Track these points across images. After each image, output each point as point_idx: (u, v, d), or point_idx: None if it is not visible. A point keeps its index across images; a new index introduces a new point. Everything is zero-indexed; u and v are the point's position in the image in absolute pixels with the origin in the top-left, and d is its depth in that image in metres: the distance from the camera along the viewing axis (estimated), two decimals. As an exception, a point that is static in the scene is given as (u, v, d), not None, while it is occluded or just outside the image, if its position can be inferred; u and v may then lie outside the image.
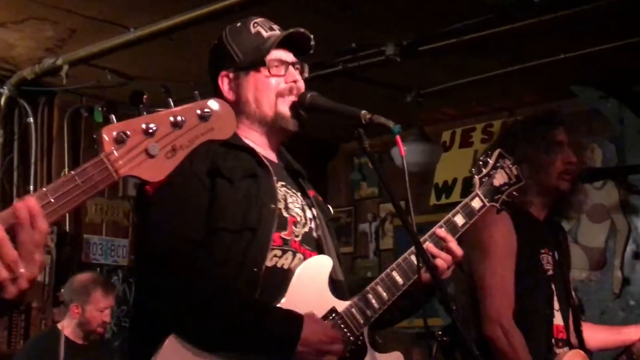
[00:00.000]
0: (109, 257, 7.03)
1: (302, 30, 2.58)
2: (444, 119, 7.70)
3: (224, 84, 2.56)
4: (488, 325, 3.19)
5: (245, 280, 2.31)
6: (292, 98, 2.55)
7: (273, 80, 2.54)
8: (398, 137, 2.38)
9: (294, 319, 2.28)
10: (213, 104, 1.69)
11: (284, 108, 2.53)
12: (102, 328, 5.32)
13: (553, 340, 3.27)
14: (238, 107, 2.51)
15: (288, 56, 2.59)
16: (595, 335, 3.59)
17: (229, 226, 2.33)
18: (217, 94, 2.57)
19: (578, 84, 6.59)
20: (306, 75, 2.64)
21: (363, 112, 2.41)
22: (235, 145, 2.45)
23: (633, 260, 6.45)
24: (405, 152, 7.40)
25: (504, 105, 7.07)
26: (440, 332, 3.24)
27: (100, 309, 5.26)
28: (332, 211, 2.74)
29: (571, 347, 3.33)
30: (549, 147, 3.34)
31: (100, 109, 6.77)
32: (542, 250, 3.35)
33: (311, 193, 2.65)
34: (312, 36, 2.61)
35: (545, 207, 3.42)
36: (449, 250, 2.52)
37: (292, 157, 2.72)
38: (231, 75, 2.56)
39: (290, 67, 2.57)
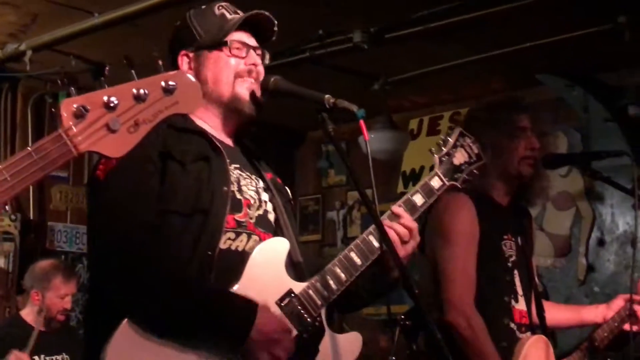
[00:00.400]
0: (73, 244, 6.96)
1: (265, 13, 2.57)
2: (411, 106, 7.71)
3: (184, 63, 2.54)
4: (450, 311, 3.20)
5: (199, 264, 2.29)
6: (251, 81, 2.53)
7: (233, 61, 2.52)
8: (362, 122, 2.36)
9: (248, 308, 2.26)
10: (179, 76, 1.65)
11: (242, 90, 2.52)
12: (62, 315, 5.27)
13: (515, 326, 3.29)
14: None
15: (250, 40, 2.58)
16: (556, 314, 3.63)
17: (180, 209, 2.31)
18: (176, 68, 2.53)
19: (544, 72, 6.62)
20: (267, 62, 2.62)
21: (327, 96, 2.40)
22: (187, 128, 2.43)
23: (597, 247, 6.50)
24: (371, 139, 7.44)
25: (472, 94, 7.07)
26: (402, 317, 3.25)
27: (60, 295, 5.21)
28: (289, 193, 2.71)
29: (534, 332, 3.36)
30: (512, 132, 3.36)
31: (65, 94, 6.68)
32: (505, 237, 3.37)
33: (268, 176, 2.63)
34: (275, 21, 2.60)
35: (508, 192, 3.43)
36: (403, 224, 2.50)
37: (254, 143, 2.70)
38: (191, 54, 2.55)
39: (252, 51, 2.56)
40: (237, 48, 2.53)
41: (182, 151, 2.37)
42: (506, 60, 6.26)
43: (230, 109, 2.53)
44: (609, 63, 6.32)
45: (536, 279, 3.51)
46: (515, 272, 3.37)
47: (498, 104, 3.49)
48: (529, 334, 3.32)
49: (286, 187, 2.71)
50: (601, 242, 6.49)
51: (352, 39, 5.87)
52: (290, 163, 8.60)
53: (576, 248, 6.63)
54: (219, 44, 2.52)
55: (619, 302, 3.51)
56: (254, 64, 2.55)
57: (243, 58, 2.53)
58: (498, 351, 3.19)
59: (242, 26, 2.54)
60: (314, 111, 2.42)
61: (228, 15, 2.57)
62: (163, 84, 1.62)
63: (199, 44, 2.54)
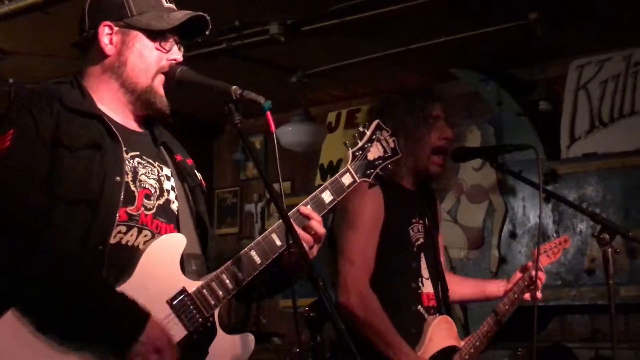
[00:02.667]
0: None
1: (207, 17, 2.51)
2: (329, 100, 7.74)
3: (104, 35, 2.42)
4: (344, 293, 3.18)
5: (90, 258, 2.21)
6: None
7: (157, 54, 2.44)
8: (268, 114, 2.32)
9: (137, 315, 2.17)
10: None
11: (158, 84, 2.45)
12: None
13: (423, 310, 3.32)
14: (112, 65, 2.42)
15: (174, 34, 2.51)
16: (462, 287, 3.68)
17: (66, 197, 2.22)
18: (89, 44, 2.45)
19: (459, 67, 6.72)
20: (181, 58, 2.54)
21: (234, 87, 2.35)
22: (85, 112, 2.34)
23: (509, 240, 6.62)
24: (289, 132, 7.38)
25: (388, 87, 7.11)
26: (306, 308, 3.24)
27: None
28: (199, 177, 2.61)
29: (441, 312, 3.39)
30: (425, 121, 3.36)
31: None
32: (413, 220, 3.39)
33: (178, 158, 2.55)
34: (210, 26, 2.54)
35: (415, 181, 3.45)
36: (310, 228, 2.44)
37: (166, 130, 2.63)
38: (116, 28, 2.43)
39: (175, 45, 2.49)
40: (165, 41, 2.45)
41: (72, 136, 2.27)
42: (422, 55, 6.33)
43: (141, 100, 2.44)
44: (522, 58, 6.44)
45: (442, 258, 3.53)
46: (422, 255, 3.38)
47: (413, 91, 3.49)
48: (436, 315, 3.35)
49: (195, 170, 2.61)
50: (513, 235, 6.61)
51: (269, 31, 5.86)
52: (208, 155, 8.55)
53: (489, 240, 6.74)
54: (153, 32, 2.44)
55: (517, 274, 3.59)
56: (174, 60, 2.47)
57: (167, 52, 2.46)
58: (407, 338, 3.20)
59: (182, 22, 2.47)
60: (217, 99, 2.38)
61: (165, 3, 2.49)
62: None
63: (131, 22, 2.43)
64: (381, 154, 2.67)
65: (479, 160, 6.34)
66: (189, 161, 2.62)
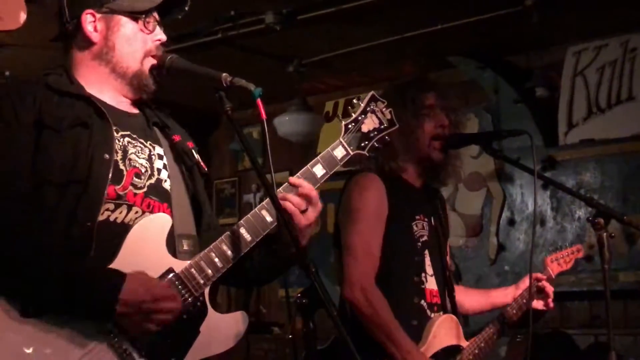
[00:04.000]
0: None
1: None
2: (326, 89, 7.72)
3: (88, 23, 2.42)
4: (348, 288, 3.19)
5: (78, 236, 2.21)
6: (154, 61, 2.47)
7: (142, 36, 2.45)
8: (259, 101, 2.30)
9: (112, 279, 2.17)
10: None
11: (146, 68, 2.46)
12: None
13: (426, 305, 3.31)
14: (100, 51, 2.43)
15: (156, 14, 2.50)
16: (469, 299, 3.66)
17: (54, 179, 2.22)
18: (72, 35, 2.45)
19: (455, 55, 6.70)
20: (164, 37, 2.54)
21: (224, 74, 2.35)
22: (71, 93, 2.35)
23: (508, 227, 6.62)
24: (286, 122, 7.36)
25: (385, 76, 7.11)
26: (299, 295, 3.23)
27: None
28: (197, 157, 2.60)
29: (446, 311, 3.38)
30: (418, 111, 3.33)
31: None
32: (417, 217, 3.37)
33: (176, 138, 2.55)
34: (188, 2, 2.54)
35: (420, 175, 3.42)
36: (301, 195, 2.39)
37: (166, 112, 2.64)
38: (99, 15, 2.43)
39: (157, 26, 2.49)
40: (149, 22, 2.46)
41: (57, 117, 2.27)
42: (418, 43, 6.31)
43: (132, 84, 2.46)
44: (518, 45, 6.42)
45: (448, 260, 3.52)
46: (426, 252, 3.37)
47: (404, 85, 3.47)
48: (440, 313, 3.34)
49: (194, 151, 2.61)
50: (511, 222, 6.61)
51: (265, 20, 5.84)
52: (206, 146, 8.54)
53: (487, 228, 6.74)
54: (136, 14, 2.44)
55: (526, 281, 3.55)
56: (159, 40, 2.48)
57: (150, 32, 2.46)
58: (408, 330, 3.20)
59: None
60: (208, 87, 2.37)
61: None
62: None
63: (112, 7, 2.43)
64: (376, 125, 2.60)
65: (477, 148, 6.37)
66: (190, 143, 2.62)
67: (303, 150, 7.36)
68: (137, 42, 2.45)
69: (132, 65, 2.44)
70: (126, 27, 2.44)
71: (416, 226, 3.36)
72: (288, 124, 7.00)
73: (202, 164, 2.62)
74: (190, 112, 7.80)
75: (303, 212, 2.39)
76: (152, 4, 2.45)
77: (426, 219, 3.40)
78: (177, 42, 5.82)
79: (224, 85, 2.34)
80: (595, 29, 6.22)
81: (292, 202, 2.37)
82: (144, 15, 2.45)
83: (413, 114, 3.33)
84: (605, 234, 3.10)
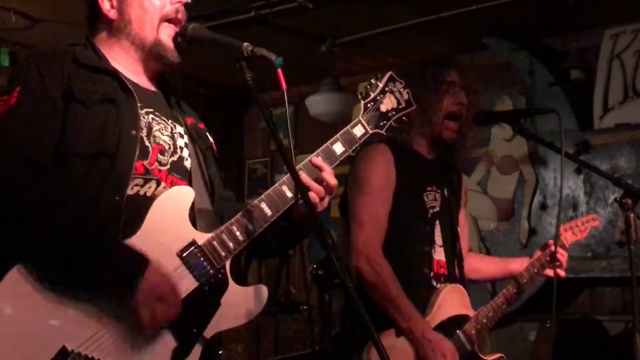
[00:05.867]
0: None
1: None
2: (359, 69, 7.68)
3: (104, 2, 2.43)
4: (355, 257, 3.20)
5: (107, 209, 2.22)
6: (175, 28, 2.46)
7: (159, 3, 2.45)
8: (279, 71, 2.28)
9: (136, 265, 2.18)
10: None
11: (166, 36, 2.45)
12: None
13: (433, 275, 3.31)
14: (119, 26, 2.44)
15: None
16: (484, 266, 3.66)
17: (82, 151, 2.23)
18: (94, 13, 2.46)
19: (490, 36, 6.63)
20: None
21: (245, 44, 2.33)
22: (98, 68, 2.36)
23: (540, 211, 6.55)
24: (318, 102, 7.33)
25: (419, 57, 7.03)
26: (314, 266, 3.23)
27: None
28: (210, 140, 2.63)
29: (452, 282, 3.37)
30: (438, 86, 3.33)
31: (8, 51, 6.55)
32: (429, 188, 3.37)
33: (189, 121, 2.56)
34: None
35: (432, 149, 3.42)
36: (322, 180, 2.40)
37: (181, 97, 2.63)
38: None
39: None
40: None
41: (86, 92, 2.29)
42: (452, 23, 6.25)
43: (152, 53, 2.46)
44: (554, 27, 6.34)
45: (459, 231, 3.50)
46: (437, 222, 3.37)
47: (426, 62, 3.46)
48: (447, 284, 3.34)
49: (207, 134, 2.63)
50: (543, 206, 6.53)
51: (297, -1, 5.83)
52: (239, 126, 8.55)
53: (519, 212, 6.67)
54: None
55: (538, 251, 3.58)
56: (178, 2, 2.47)
57: None
58: (417, 300, 3.21)
59: None
60: (231, 57, 2.34)
61: None
62: None
63: None
64: (394, 105, 2.63)
65: (510, 131, 6.30)
66: (201, 125, 2.64)
67: (334, 130, 7.34)
68: (151, 8, 2.44)
69: (149, 35, 2.44)
70: None
71: (427, 197, 3.36)
72: (320, 104, 6.98)
73: (214, 146, 2.65)
74: (224, 91, 7.83)
75: (321, 199, 2.41)
76: None
77: (438, 190, 3.41)
78: (210, 20, 5.83)
79: (245, 54, 2.32)
80: (633, 12, 6.10)
81: (314, 190, 2.38)
82: None
83: (433, 88, 3.34)
84: (632, 214, 3.06)
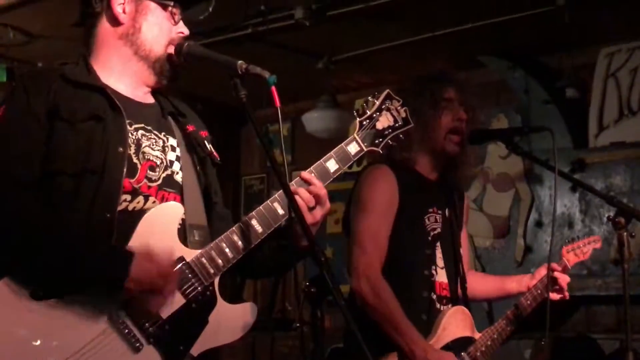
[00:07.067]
0: None
1: None
2: (357, 86, 7.70)
3: (118, 5, 2.45)
4: (355, 279, 3.19)
5: (98, 225, 2.23)
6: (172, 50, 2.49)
7: (169, 25, 2.49)
8: (273, 88, 2.29)
9: (122, 256, 2.20)
10: None
11: (169, 56, 2.48)
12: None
13: (436, 297, 3.30)
14: (126, 31, 2.46)
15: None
16: (482, 286, 3.65)
17: (68, 170, 2.25)
18: (98, 17, 2.48)
19: (486, 54, 6.65)
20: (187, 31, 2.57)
21: (240, 62, 2.35)
22: (86, 84, 2.37)
23: (535, 229, 6.56)
24: (315, 118, 7.31)
25: (415, 74, 7.05)
26: (307, 284, 3.23)
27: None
28: (209, 148, 2.61)
29: (455, 303, 3.36)
30: (436, 103, 3.33)
31: (3, 67, 6.56)
32: (430, 209, 3.36)
33: (190, 128, 2.56)
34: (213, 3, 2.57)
35: (435, 167, 3.41)
36: (311, 192, 2.39)
37: (183, 103, 2.65)
38: None
39: (181, 20, 2.53)
40: (174, 13, 2.49)
41: (72, 110, 2.30)
42: (449, 41, 6.27)
43: (154, 67, 2.48)
44: (549, 46, 6.36)
45: (461, 251, 3.49)
46: (438, 244, 3.36)
47: (425, 76, 3.47)
48: (449, 306, 3.33)
49: (206, 142, 2.61)
50: (539, 224, 6.54)
51: (294, 16, 5.84)
52: (236, 142, 8.55)
53: (514, 229, 6.68)
54: (164, 3, 2.48)
55: (542, 271, 3.53)
56: (182, 33, 2.51)
57: (175, 24, 2.50)
58: (418, 324, 3.19)
59: None
60: (224, 74, 2.36)
61: None
62: None
63: None
64: (391, 123, 2.61)
65: (505, 149, 6.31)
66: (203, 133, 2.63)
67: (331, 147, 7.35)
68: (162, 30, 2.48)
69: (156, 49, 2.47)
70: (154, 13, 2.48)
71: (428, 219, 3.36)
72: (317, 120, 6.99)
73: (214, 154, 2.63)
74: (221, 107, 7.83)
75: (311, 209, 2.39)
76: None
77: (439, 211, 3.39)
78: (206, 36, 5.85)
79: (240, 72, 2.34)
80: (628, 31, 6.14)
81: (301, 197, 2.37)
82: (171, 6, 2.48)
83: (431, 105, 3.33)
84: (625, 233, 3.07)
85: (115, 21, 2.46)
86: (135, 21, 2.46)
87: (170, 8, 2.48)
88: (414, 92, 3.29)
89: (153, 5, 2.48)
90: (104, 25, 2.48)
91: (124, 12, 2.46)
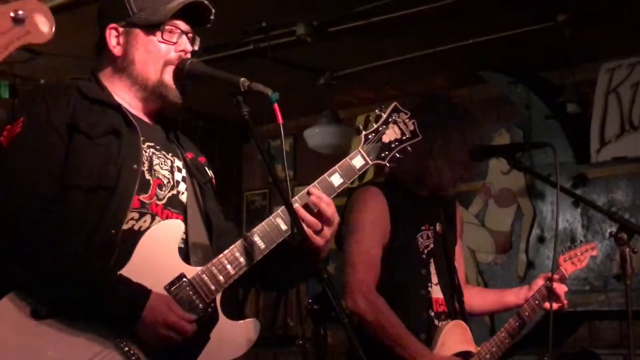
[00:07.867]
0: None
1: (204, 1, 2.50)
2: (357, 102, 7.72)
3: (112, 37, 2.46)
4: (350, 298, 3.18)
5: (102, 242, 2.23)
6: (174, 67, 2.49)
7: (164, 47, 2.46)
8: (275, 105, 2.30)
9: (139, 292, 2.20)
10: (28, 5, 1.53)
11: (169, 77, 2.47)
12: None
13: (434, 314, 3.30)
14: (122, 64, 2.47)
15: (182, 25, 2.51)
16: (480, 300, 3.64)
17: (83, 184, 2.24)
18: (101, 45, 2.50)
19: (487, 70, 6.67)
20: (197, 47, 2.55)
21: (242, 79, 2.35)
22: (103, 101, 2.38)
23: (537, 244, 6.54)
24: (316, 134, 7.33)
25: (416, 90, 7.09)
26: (310, 301, 3.23)
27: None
28: (210, 174, 2.64)
29: (453, 318, 3.36)
30: (460, 150, 3.32)
31: (6, 83, 6.58)
32: (423, 227, 3.36)
33: (189, 155, 2.57)
34: (212, 10, 2.53)
35: (424, 186, 3.40)
36: (319, 213, 2.38)
37: (183, 133, 2.66)
38: (121, 29, 2.46)
39: (183, 36, 2.50)
40: (170, 32, 2.47)
41: (91, 124, 2.30)
42: (450, 57, 6.30)
43: (154, 94, 2.48)
44: (550, 61, 6.38)
45: (455, 265, 3.48)
46: (432, 261, 3.35)
47: (451, 109, 3.41)
48: (448, 321, 3.32)
49: (206, 168, 2.63)
50: (541, 239, 6.52)
51: (296, 32, 5.86)
52: (238, 158, 8.57)
53: (517, 245, 6.66)
54: (152, 26, 2.45)
55: (539, 282, 3.52)
56: (183, 51, 2.49)
57: (174, 44, 2.47)
58: None
59: (179, 10, 2.47)
60: (227, 92, 2.37)
61: None
62: (12, 14, 1.51)
63: (132, 20, 2.45)
64: (398, 136, 2.57)
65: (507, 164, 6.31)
66: (201, 159, 2.65)
67: (333, 163, 7.37)
68: (156, 54, 2.46)
69: (152, 77, 2.46)
70: (145, 39, 2.46)
71: (421, 237, 3.36)
72: (318, 136, 7.01)
73: (213, 180, 2.66)
74: (223, 123, 7.86)
75: (318, 232, 2.38)
76: (165, 16, 2.45)
77: (431, 227, 3.39)
78: (208, 53, 5.86)
79: (242, 89, 2.34)
80: (629, 46, 6.15)
81: (307, 223, 2.35)
82: (161, 27, 2.46)
83: (455, 148, 3.31)
84: (627, 249, 3.07)
85: (111, 54, 2.47)
86: (128, 53, 2.46)
87: (159, 32, 2.46)
88: (439, 124, 3.27)
89: (142, 32, 2.46)
90: (105, 57, 2.51)
91: (118, 44, 2.47)
